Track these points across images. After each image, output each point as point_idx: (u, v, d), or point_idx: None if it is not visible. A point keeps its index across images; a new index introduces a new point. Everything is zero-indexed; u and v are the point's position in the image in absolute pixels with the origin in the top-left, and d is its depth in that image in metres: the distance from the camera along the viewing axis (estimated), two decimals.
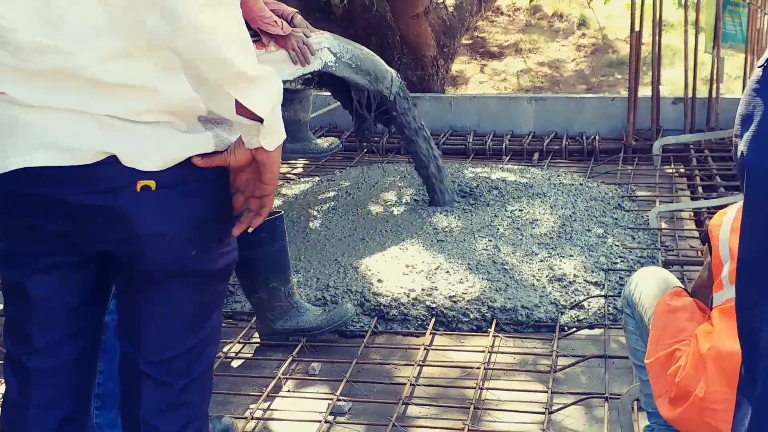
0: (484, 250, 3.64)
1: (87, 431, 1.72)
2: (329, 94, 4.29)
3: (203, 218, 1.56)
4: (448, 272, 3.46)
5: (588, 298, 3.35)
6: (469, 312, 3.27)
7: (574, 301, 3.34)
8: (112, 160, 1.46)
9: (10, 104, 1.46)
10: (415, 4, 6.25)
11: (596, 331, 3.22)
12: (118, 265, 1.59)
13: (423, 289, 3.37)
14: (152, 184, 1.48)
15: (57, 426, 1.64)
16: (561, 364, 3.00)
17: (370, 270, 3.52)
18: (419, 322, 3.26)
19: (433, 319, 3.26)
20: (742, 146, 1.50)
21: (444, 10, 6.80)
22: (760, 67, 1.50)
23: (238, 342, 3.23)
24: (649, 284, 2.29)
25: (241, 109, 1.46)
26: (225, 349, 3.16)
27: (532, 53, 9.47)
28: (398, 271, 3.49)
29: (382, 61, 3.98)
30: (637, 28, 5.02)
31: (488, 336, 3.17)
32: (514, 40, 9.73)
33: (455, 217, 3.93)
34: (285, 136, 1.58)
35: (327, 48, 3.75)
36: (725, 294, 2.04)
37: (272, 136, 1.53)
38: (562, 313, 3.28)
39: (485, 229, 3.82)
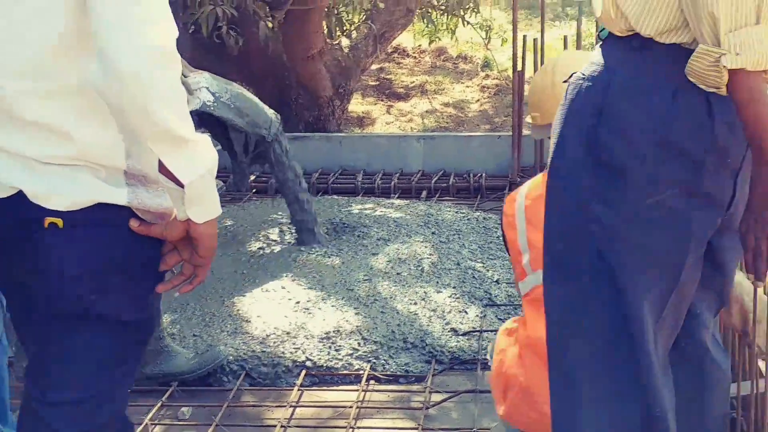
0: (363, 286, 3.63)
1: None
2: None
3: (109, 263, 1.52)
4: (323, 310, 3.45)
5: (465, 333, 3.37)
6: (344, 350, 3.26)
7: (452, 336, 3.35)
8: (23, 195, 1.47)
9: None
10: (309, 46, 6.28)
11: (472, 367, 3.24)
12: (20, 299, 1.57)
13: (298, 328, 3.34)
14: (59, 222, 1.47)
15: None
16: (434, 400, 3.01)
17: (244, 310, 3.48)
18: (293, 362, 3.23)
19: (307, 360, 3.23)
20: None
21: (339, 51, 6.85)
22: (564, 82, 1.65)
23: None
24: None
25: (163, 169, 1.44)
26: None
27: (437, 94, 9.58)
28: (273, 310, 3.46)
29: (262, 103, 3.98)
30: (519, 68, 5.13)
31: (363, 374, 3.16)
32: (420, 81, 9.84)
33: (334, 254, 3.92)
34: (220, 212, 1.53)
35: (205, 88, 3.74)
36: (529, 281, 2.15)
37: (200, 207, 1.49)
38: (438, 349, 3.29)
39: (364, 265, 3.82)
